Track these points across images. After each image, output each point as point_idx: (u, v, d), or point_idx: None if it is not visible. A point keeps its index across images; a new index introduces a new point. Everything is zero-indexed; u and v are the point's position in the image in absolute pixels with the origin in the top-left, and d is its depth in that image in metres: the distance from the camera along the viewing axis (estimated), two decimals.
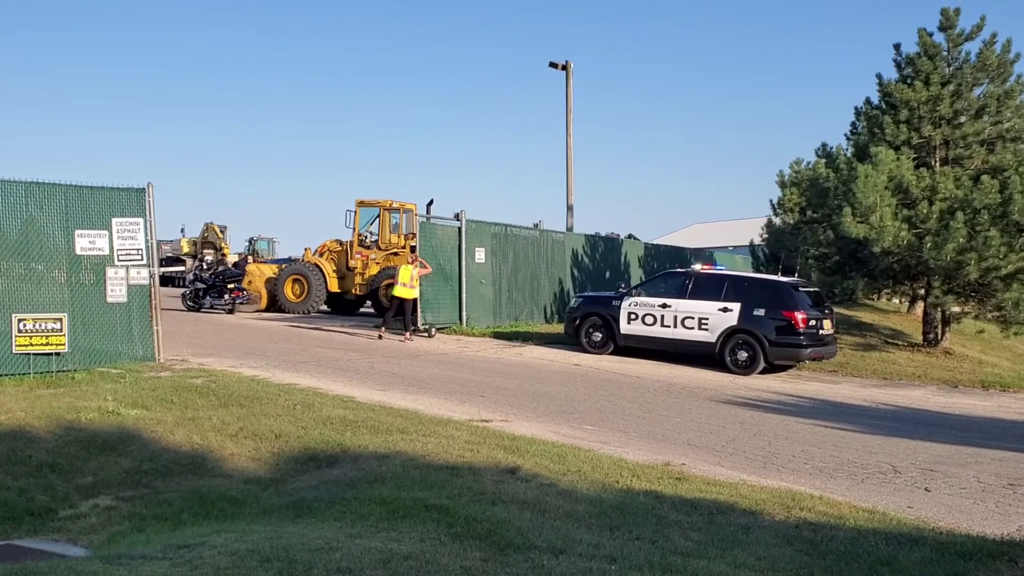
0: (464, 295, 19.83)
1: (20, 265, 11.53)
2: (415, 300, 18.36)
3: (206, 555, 4.73)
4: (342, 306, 25.51)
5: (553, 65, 28.35)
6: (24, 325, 11.08)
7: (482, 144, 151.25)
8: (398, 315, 18.36)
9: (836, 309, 19.01)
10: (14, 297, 11.35)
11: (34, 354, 11.17)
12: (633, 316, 16.68)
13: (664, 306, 16.35)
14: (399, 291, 18.01)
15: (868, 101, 20.08)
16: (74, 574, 4.30)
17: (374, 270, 23.85)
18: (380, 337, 17.98)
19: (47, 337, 11.23)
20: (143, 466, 7.82)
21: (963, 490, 7.98)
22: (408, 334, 18.09)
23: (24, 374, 11.02)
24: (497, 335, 19.40)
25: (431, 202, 22.23)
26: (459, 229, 19.77)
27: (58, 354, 11.35)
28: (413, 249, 19.60)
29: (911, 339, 19.97)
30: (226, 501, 6.98)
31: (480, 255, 20.38)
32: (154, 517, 6.77)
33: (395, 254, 23.97)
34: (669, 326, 16.28)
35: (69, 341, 11.40)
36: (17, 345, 11.04)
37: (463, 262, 19.70)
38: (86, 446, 8.22)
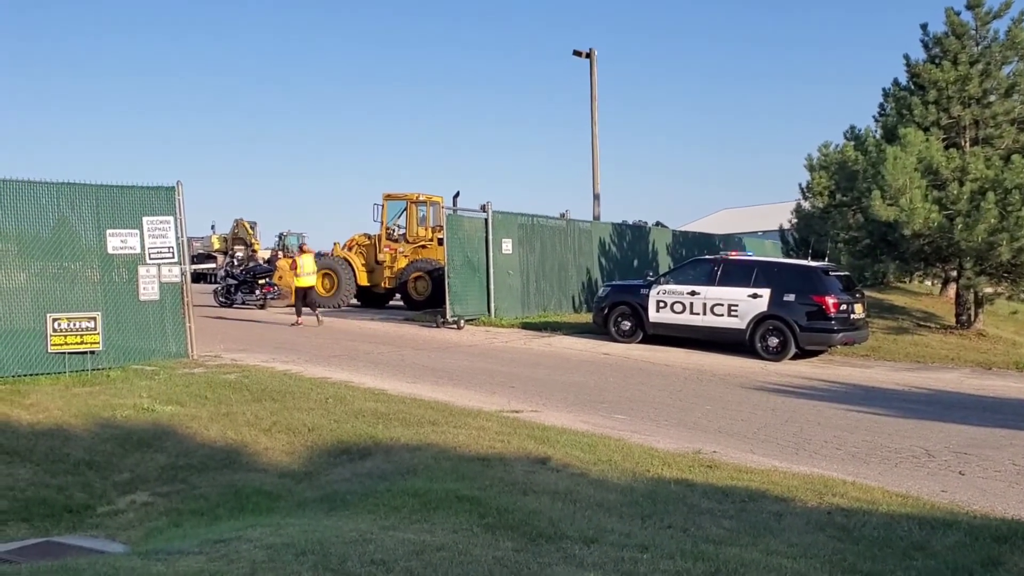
0: (492, 286, 19.86)
1: (54, 265, 11.72)
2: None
3: (242, 549, 4.79)
4: (372, 299, 25.64)
5: (577, 53, 28.18)
6: (59, 324, 11.25)
7: (508, 135, 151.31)
8: (301, 302, 19.67)
9: (867, 292, 18.86)
10: (48, 297, 11.53)
11: (69, 353, 11.35)
12: (662, 304, 16.61)
13: (693, 293, 16.27)
14: (306, 280, 19.58)
15: (896, 82, 19.86)
16: (113, 570, 4.37)
17: (403, 263, 23.98)
18: (298, 323, 19.22)
19: (81, 336, 11.39)
20: (179, 462, 7.93)
21: (998, 473, 7.90)
22: (318, 316, 19.49)
23: (60, 373, 11.19)
24: (526, 325, 19.43)
25: (457, 194, 22.32)
26: (485, 220, 19.80)
27: (93, 352, 11.52)
28: (441, 242, 19.80)
29: (943, 321, 19.76)
30: (261, 495, 7.06)
31: (507, 246, 20.41)
32: (190, 512, 6.87)
33: (423, 247, 24.07)
34: (698, 313, 16.20)
35: (103, 339, 11.56)
36: (52, 344, 11.22)
37: (490, 253, 19.73)
38: (122, 443, 8.35)
